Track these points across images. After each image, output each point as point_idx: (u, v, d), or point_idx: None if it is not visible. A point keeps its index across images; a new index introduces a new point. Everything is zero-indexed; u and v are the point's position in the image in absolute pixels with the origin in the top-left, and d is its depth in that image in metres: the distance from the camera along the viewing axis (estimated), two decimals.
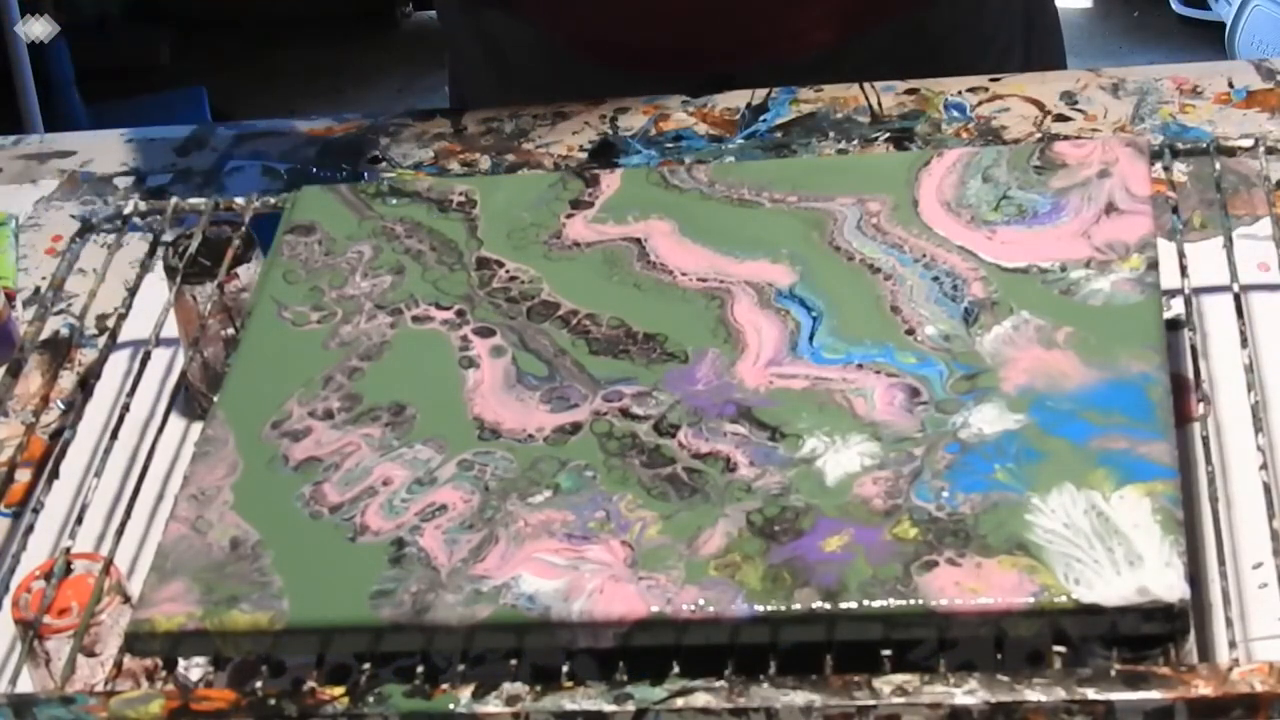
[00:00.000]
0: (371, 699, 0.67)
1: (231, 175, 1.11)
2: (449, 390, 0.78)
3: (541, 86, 1.16)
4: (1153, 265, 0.78)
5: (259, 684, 0.69)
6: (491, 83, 1.22)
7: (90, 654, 0.74)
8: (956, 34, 1.15)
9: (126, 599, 0.76)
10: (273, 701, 0.67)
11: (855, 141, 1.05)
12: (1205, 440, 0.73)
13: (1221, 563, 0.69)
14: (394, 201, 0.90)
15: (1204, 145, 0.88)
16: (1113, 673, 0.63)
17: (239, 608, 0.70)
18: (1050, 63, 1.18)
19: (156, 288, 0.93)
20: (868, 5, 1.12)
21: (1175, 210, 0.84)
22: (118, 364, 0.95)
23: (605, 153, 1.08)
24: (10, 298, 1.02)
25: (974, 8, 1.16)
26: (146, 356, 0.87)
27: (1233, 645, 0.66)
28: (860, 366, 0.76)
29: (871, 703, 0.64)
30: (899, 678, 0.64)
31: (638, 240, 0.85)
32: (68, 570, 0.76)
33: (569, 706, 0.66)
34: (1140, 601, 0.65)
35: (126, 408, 0.85)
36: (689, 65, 1.13)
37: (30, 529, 0.80)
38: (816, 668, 0.66)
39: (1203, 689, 0.63)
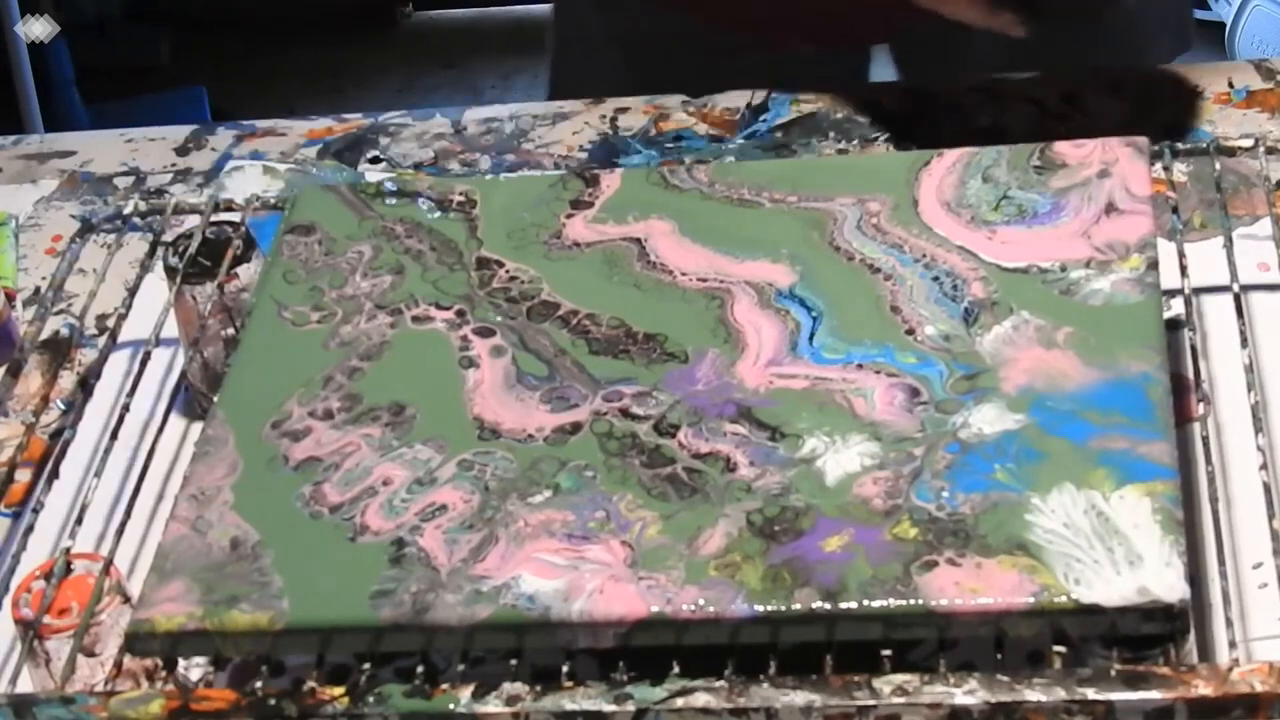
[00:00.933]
0: (371, 699, 0.67)
1: (231, 175, 1.11)
2: (449, 390, 0.78)
3: (690, 81, 1.14)
4: (1153, 265, 0.78)
5: (259, 684, 0.69)
6: (632, 82, 1.20)
7: (90, 654, 0.74)
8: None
9: (126, 599, 0.76)
10: (273, 701, 0.67)
11: (855, 141, 1.05)
12: (1205, 440, 0.73)
13: (1221, 563, 0.69)
14: (394, 201, 0.90)
15: (1204, 145, 0.88)
16: (1113, 673, 0.63)
17: (239, 608, 0.70)
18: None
19: (156, 288, 0.93)
20: None
21: (1175, 210, 0.84)
22: (118, 364, 0.95)
23: (605, 153, 1.08)
24: (10, 298, 1.02)
25: None
26: (146, 356, 0.87)
27: (1233, 645, 0.66)
28: (860, 366, 0.76)
29: (871, 703, 0.64)
30: (899, 678, 0.64)
31: (638, 240, 0.85)
32: (68, 570, 0.76)
33: (569, 706, 0.66)
34: (1140, 601, 0.64)
35: (126, 408, 0.85)
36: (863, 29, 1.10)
37: (30, 529, 0.80)
38: (816, 668, 0.66)
39: (1203, 689, 0.63)
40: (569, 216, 0.87)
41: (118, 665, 0.72)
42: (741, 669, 0.66)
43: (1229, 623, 0.67)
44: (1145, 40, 1.17)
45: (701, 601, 0.67)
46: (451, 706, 0.66)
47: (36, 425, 0.87)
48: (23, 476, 0.90)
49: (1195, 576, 0.73)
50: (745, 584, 0.67)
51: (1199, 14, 2.77)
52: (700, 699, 0.65)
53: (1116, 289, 0.77)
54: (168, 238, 0.92)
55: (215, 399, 0.81)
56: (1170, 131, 1.01)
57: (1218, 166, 0.87)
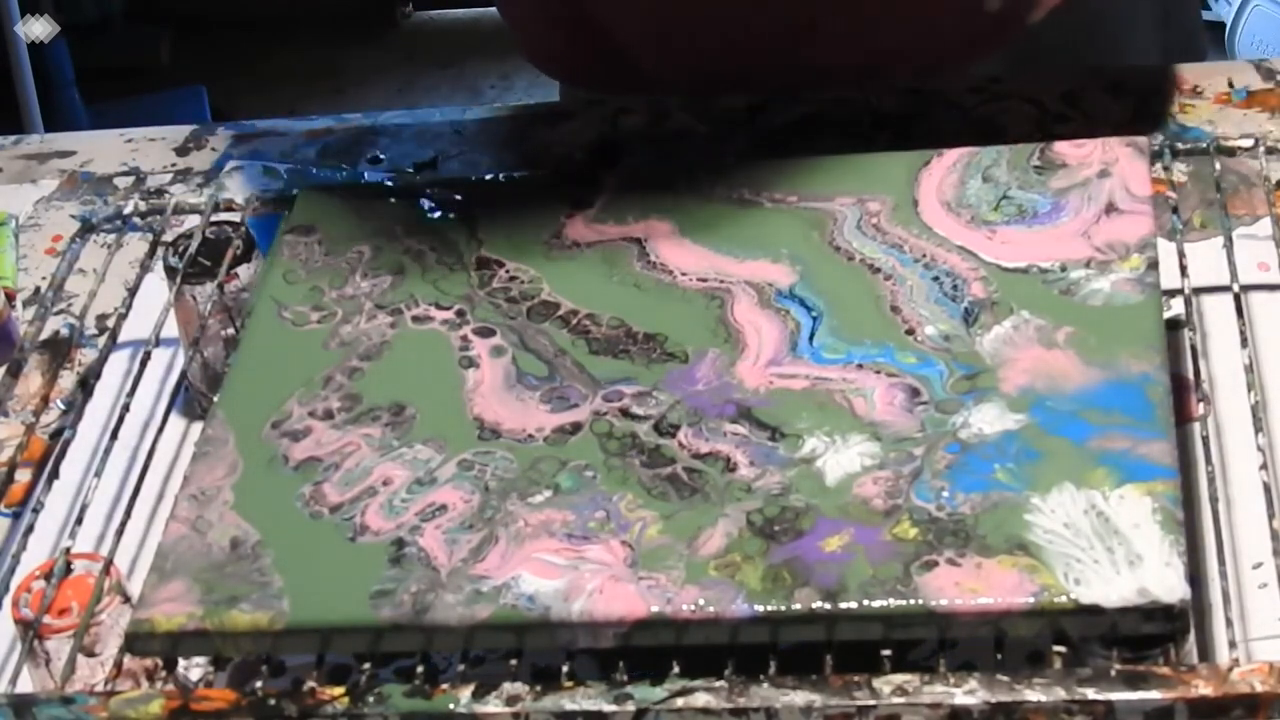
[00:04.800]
0: (371, 699, 0.67)
1: (231, 175, 1.11)
2: (449, 390, 0.78)
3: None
4: (1153, 265, 0.78)
5: (259, 684, 0.69)
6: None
7: (90, 654, 0.74)
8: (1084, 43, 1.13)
9: (126, 599, 0.76)
10: (273, 701, 0.67)
11: (855, 141, 1.05)
12: (1205, 440, 0.73)
13: (1221, 563, 0.69)
14: (394, 201, 0.90)
15: (1204, 145, 0.88)
16: (1113, 673, 0.63)
17: (239, 608, 0.70)
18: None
19: (156, 288, 0.93)
20: (991, 28, 1.07)
21: (1175, 210, 0.84)
22: (118, 364, 0.95)
23: (605, 153, 1.08)
24: (10, 298, 1.02)
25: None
26: (146, 356, 0.87)
27: (1233, 645, 0.66)
28: (860, 366, 0.76)
29: (871, 703, 0.64)
30: (899, 678, 0.64)
31: (638, 240, 0.85)
32: (68, 570, 0.76)
33: (569, 706, 0.65)
34: (1140, 602, 0.64)
35: (126, 408, 0.85)
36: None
37: (30, 529, 0.80)
38: (816, 668, 0.66)
39: (1203, 689, 0.63)
40: (569, 216, 0.87)
41: (118, 665, 0.72)
42: (741, 669, 0.66)
43: (1229, 623, 0.67)
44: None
45: (701, 601, 0.67)
46: (451, 706, 0.66)
47: (36, 425, 0.87)
48: (23, 476, 0.90)
49: (1195, 576, 0.73)
50: (745, 584, 0.67)
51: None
52: (700, 699, 0.65)
53: (1116, 289, 0.77)
54: (168, 238, 0.92)
55: (215, 399, 0.81)
56: (1170, 131, 1.01)
57: (1218, 166, 0.87)
